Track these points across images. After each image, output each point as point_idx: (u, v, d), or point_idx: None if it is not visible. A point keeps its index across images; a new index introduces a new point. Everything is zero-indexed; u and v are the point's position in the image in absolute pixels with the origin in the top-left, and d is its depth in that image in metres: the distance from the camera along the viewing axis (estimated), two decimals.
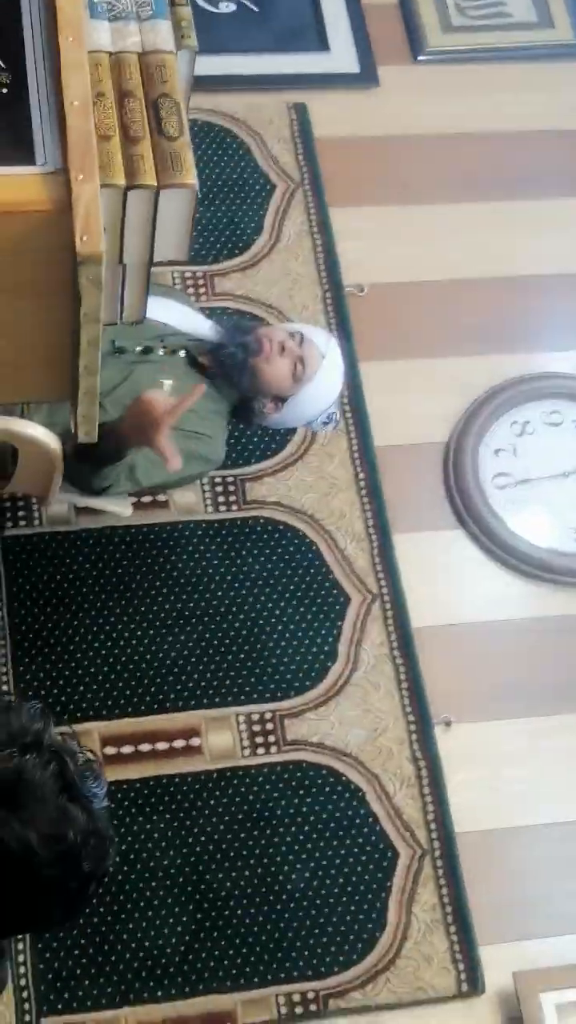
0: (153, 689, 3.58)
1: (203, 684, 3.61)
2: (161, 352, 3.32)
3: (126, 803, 3.43)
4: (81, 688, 3.55)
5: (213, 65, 4.31)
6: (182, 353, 3.35)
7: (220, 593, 3.73)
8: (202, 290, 4.15)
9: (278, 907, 3.39)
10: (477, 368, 4.21)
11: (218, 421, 3.34)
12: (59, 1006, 3.22)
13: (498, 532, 3.95)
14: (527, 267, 4.43)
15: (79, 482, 3.17)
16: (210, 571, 3.75)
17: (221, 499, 3.86)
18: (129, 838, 3.38)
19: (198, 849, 3.42)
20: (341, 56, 4.69)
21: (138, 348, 3.29)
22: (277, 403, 3.35)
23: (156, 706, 3.57)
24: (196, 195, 2.08)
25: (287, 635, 3.71)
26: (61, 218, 1.97)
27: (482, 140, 4.64)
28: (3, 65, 2.12)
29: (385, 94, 4.68)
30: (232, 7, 4.72)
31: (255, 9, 4.73)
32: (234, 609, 3.72)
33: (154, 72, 2.13)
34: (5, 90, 2.09)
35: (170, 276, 4.11)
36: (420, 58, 4.77)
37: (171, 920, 3.34)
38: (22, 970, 3.23)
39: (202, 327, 3.41)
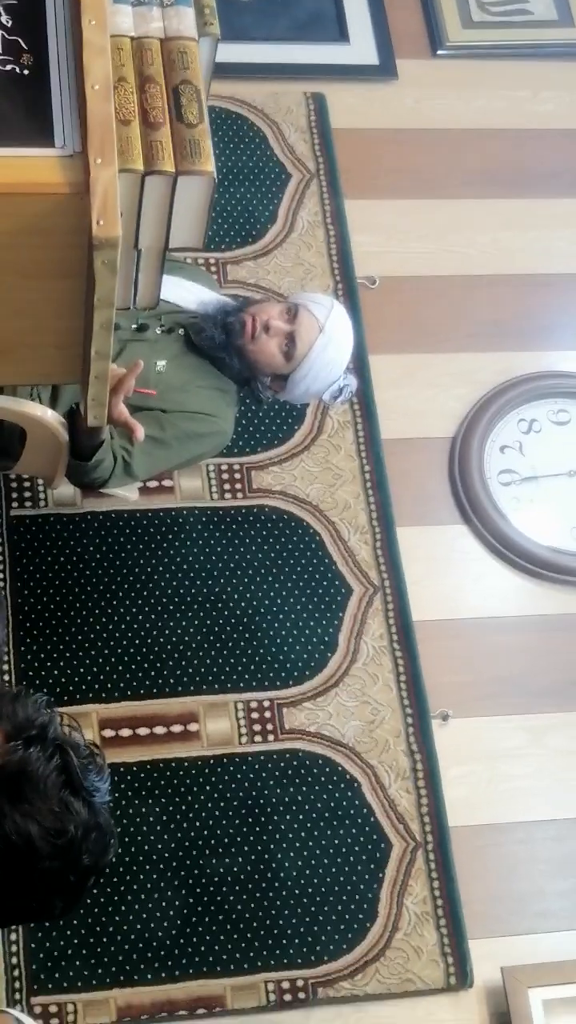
0: (153, 673, 3.59)
1: (203, 670, 3.62)
2: (158, 331, 3.26)
3: (122, 786, 3.44)
4: (81, 670, 3.56)
5: (232, 52, 4.30)
6: (180, 331, 3.29)
7: (223, 580, 3.74)
8: (214, 277, 4.15)
9: (270, 894, 3.40)
10: (486, 364, 4.21)
11: (221, 399, 3.28)
12: (49, 985, 3.24)
13: (501, 529, 3.96)
14: (540, 265, 4.43)
15: (75, 477, 3.13)
16: (213, 558, 3.76)
17: (226, 486, 3.87)
18: (124, 821, 3.39)
19: (192, 834, 3.43)
20: (361, 48, 4.69)
21: (133, 325, 3.23)
22: (279, 382, 3.28)
23: (155, 690, 3.58)
24: (214, 182, 2.08)
25: (288, 624, 3.72)
26: (78, 201, 1.98)
27: (499, 136, 4.64)
28: (26, 47, 2.12)
29: (403, 87, 4.67)
30: None
31: None
32: (236, 596, 3.73)
33: (176, 58, 2.14)
34: (27, 72, 2.10)
35: (185, 259, 4.11)
36: (439, 52, 4.77)
37: (163, 904, 3.35)
38: (14, 948, 3.24)
39: (203, 305, 3.33)
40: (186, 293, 3.35)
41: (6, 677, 3.50)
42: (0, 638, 2.59)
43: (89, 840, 1.81)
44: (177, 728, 3.55)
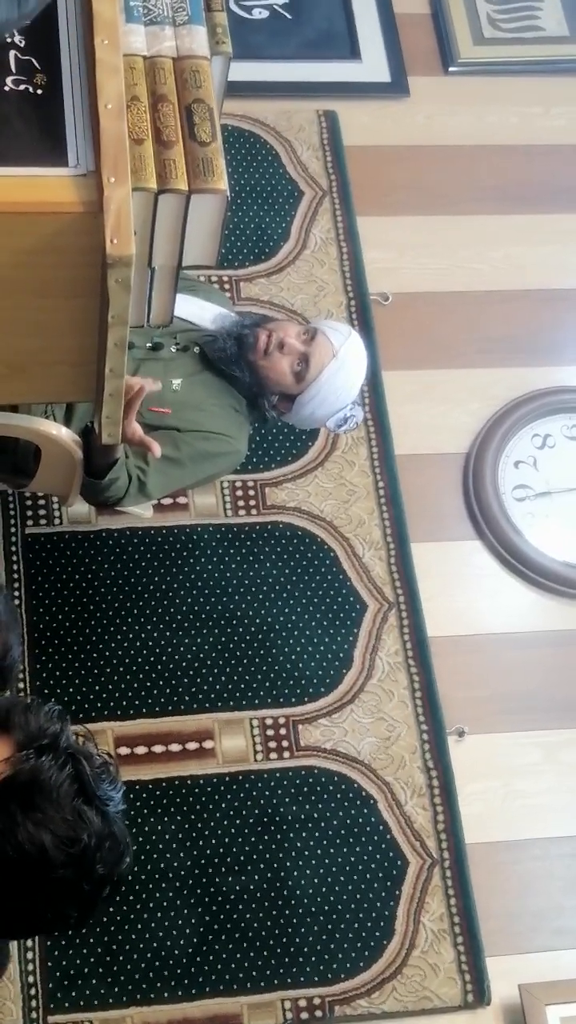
0: (168, 691, 3.59)
1: (218, 687, 3.62)
2: (172, 349, 3.27)
3: (138, 803, 3.43)
4: (96, 687, 3.56)
5: (245, 71, 4.32)
6: (195, 349, 3.30)
7: (237, 597, 3.74)
8: (228, 295, 4.16)
9: (287, 912, 3.39)
10: (500, 380, 4.21)
11: (235, 418, 3.28)
12: (66, 1004, 3.23)
13: (516, 544, 3.95)
14: (553, 280, 4.43)
15: (90, 496, 3.13)
16: (228, 574, 3.76)
17: (240, 503, 3.87)
18: (140, 838, 3.39)
19: (208, 851, 3.43)
20: (373, 65, 4.70)
21: (148, 344, 3.24)
22: (286, 402, 3.27)
23: (170, 708, 3.58)
24: (227, 200, 2.09)
25: (303, 641, 3.71)
26: (92, 220, 1.98)
27: (512, 152, 4.64)
28: (39, 67, 2.13)
29: (415, 104, 4.69)
30: (265, 14, 4.74)
31: (288, 16, 4.75)
32: (250, 613, 3.73)
33: (188, 77, 2.14)
34: (40, 91, 2.11)
35: (198, 277, 4.12)
36: (451, 69, 4.78)
37: (179, 922, 3.35)
38: (30, 967, 3.24)
39: (220, 319, 3.33)
40: (200, 311, 3.35)
41: (21, 695, 3.50)
42: (15, 655, 2.58)
43: (103, 849, 1.80)
44: (192, 745, 3.55)
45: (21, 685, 3.51)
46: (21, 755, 1.81)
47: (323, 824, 3.50)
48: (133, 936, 3.32)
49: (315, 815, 3.51)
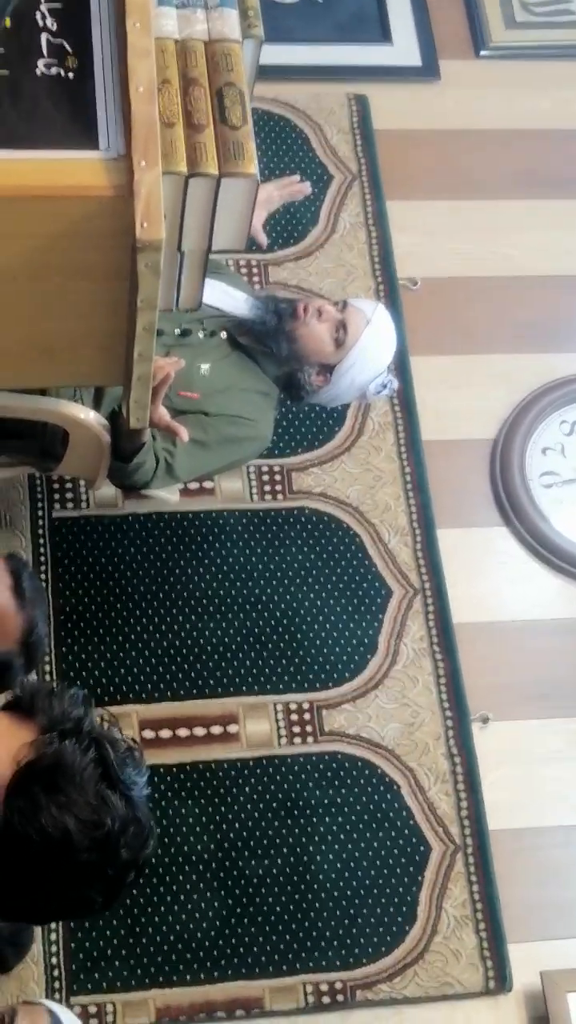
0: (193, 675, 3.60)
1: (242, 671, 3.62)
2: (201, 335, 3.28)
3: (162, 787, 3.44)
4: (122, 671, 3.57)
5: (275, 54, 4.27)
6: (223, 335, 3.31)
7: (263, 582, 3.74)
8: (256, 279, 4.16)
9: (309, 896, 3.40)
10: (528, 366, 4.19)
11: (262, 403, 3.30)
12: (89, 985, 3.25)
13: (543, 531, 3.94)
14: None
15: (117, 479, 3.16)
16: (253, 559, 3.76)
17: (267, 488, 3.87)
18: (164, 822, 3.40)
19: (232, 835, 3.44)
20: (403, 49, 4.68)
21: (176, 331, 3.25)
22: (325, 374, 3.30)
23: (195, 692, 3.58)
24: (257, 184, 2.08)
25: (327, 626, 3.71)
26: (122, 204, 1.98)
27: (542, 137, 4.61)
28: (70, 50, 2.13)
29: (446, 88, 4.66)
30: None
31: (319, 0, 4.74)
32: (276, 598, 3.73)
33: (219, 60, 2.14)
34: (72, 75, 2.11)
35: (224, 263, 4.12)
36: (482, 53, 4.75)
37: (202, 905, 3.36)
38: (54, 948, 3.25)
39: (242, 306, 3.36)
40: (228, 297, 3.36)
41: (47, 677, 3.51)
42: (41, 632, 2.58)
43: (127, 834, 1.80)
44: (217, 729, 3.56)
45: (47, 668, 3.52)
46: (44, 738, 1.81)
47: (346, 809, 3.51)
48: (156, 919, 3.33)
49: (338, 800, 3.51)
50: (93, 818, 1.76)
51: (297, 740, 3.57)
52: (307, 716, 3.60)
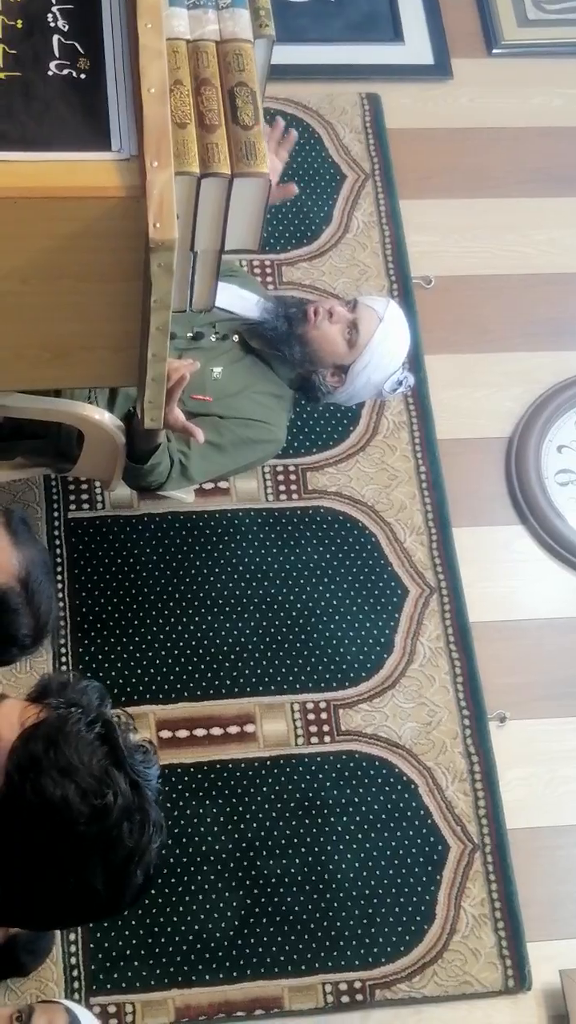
0: (209, 675, 3.60)
1: (259, 671, 3.62)
2: (213, 338, 3.28)
3: (180, 787, 3.45)
4: (139, 671, 3.57)
5: (287, 54, 4.30)
6: (235, 338, 3.32)
7: (278, 581, 3.74)
8: (269, 279, 4.16)
9: (327, 896, 3.40)
10: (543, 364, 4.19)
11: (276, 405, 3.30)
12: (108, 985, 3.25)
13: (559, 529, 3.94)
14: None
15: (132, 480, 3.16)
16: (269, 559, 3.76)
17: (282, 488, 3.87)
18: (182, 821, 3.41)
19: (249, 835, 3.44)
20: (415, 48, 4.68)
21: (189, 334, 3.26)
22: (340, 374, 3.29)
23: (212, 692, 3.59)
24: (269, 184, 2.09)
25: (344, 625, 3.71)
26: (135, 204, 1.99)
27: (555, 135, 4.61)
28: (82, 51, 2.13)
29: (458, 87, 4.66)
30: None
31: None
32: (291, 598, 3.73)
33: (231, 60, 2.14)
34: (84, 76, 2.11)
35: (238, 263, 4.12)
36: (494, 51, 4.75)
37: (221, 905, 3.36)
38: (73, 948, 3.26)
39: (254, 309, 3.36)
40: (240, 300, 3.37)
41: (63, 669, 3.52)
42: (53, 613, 2.52)
43: (131, 819, 1.79)
44: (234, 729, 3.56)
45: (63, 669, 3.52)
46: (49, 702, 1.83)
47: (364, 809, 3.51)
48: (175, 919, 3.33)
49: (356, 799, 3.51)
50: (94, 787, 1.76)
51: (314, 740, 3.57)
52: (324, 716, 3.60)
